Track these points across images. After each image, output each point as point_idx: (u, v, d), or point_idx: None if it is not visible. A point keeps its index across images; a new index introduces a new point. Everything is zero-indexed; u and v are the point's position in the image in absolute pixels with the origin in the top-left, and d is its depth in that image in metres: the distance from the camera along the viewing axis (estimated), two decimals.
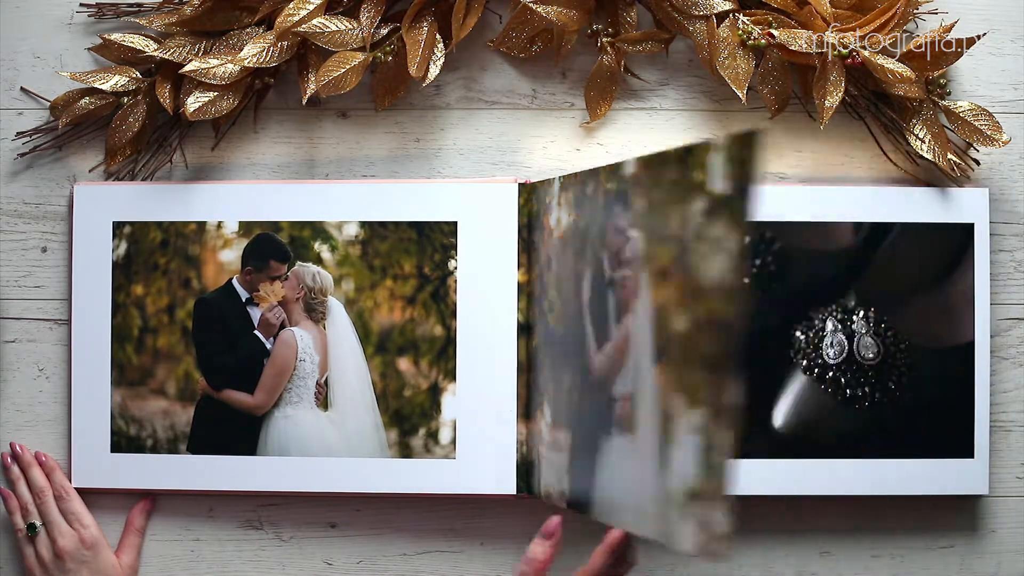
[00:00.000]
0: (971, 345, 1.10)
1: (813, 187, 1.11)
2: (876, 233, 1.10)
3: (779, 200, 1.10)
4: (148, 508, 1.13)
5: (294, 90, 1.13)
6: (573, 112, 1.13)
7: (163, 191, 1.12)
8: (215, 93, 1.08)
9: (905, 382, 1.10)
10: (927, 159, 1.09)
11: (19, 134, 1.13)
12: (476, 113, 1.14)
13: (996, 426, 1.11)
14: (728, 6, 1.07)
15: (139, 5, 1.12)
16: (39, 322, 1.14)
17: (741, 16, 1.08)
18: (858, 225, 1.10)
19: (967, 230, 1.10)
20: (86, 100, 1.11)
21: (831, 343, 1.10)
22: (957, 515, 1.12)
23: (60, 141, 1.13)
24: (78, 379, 1.12)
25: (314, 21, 1.06)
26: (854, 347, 1.09)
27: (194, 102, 1.07)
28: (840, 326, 1.10)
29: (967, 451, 1.09)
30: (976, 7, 1.11)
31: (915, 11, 1.08)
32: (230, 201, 1.12)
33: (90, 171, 1.13)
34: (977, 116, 1.08)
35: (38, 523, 1.10)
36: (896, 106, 1.10)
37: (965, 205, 1.10)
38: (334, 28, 1.07)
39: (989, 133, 1.08)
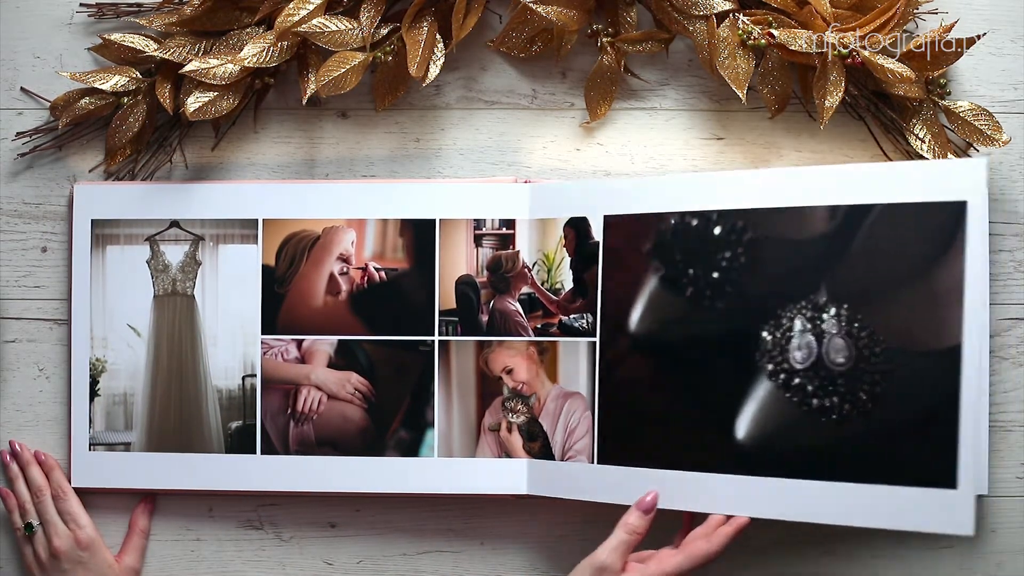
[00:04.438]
0: (957, 350, 0.93)
1: (787, 168, 1.07)
2: (853, 217, 0.98)
3: (752, 185, 1.03)
4: (149, 508, 1.13)
5: (294, 90, 1.13)
6: (573, 112, 1.13)
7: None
8: (215, 93, 1.08)
9: (879, 392, 0.95)
10: (927, 159, 1.09)
11: (19, 134, 1.13)
12: (476, 113, 1.14)
13: (996, 426, 1.11)
14: (728, 6, 1.07)
15: (139, 5, 1.12)
16: (39, 322, 1.14)
17: (741, 16, 1.08)
18: (834, 209, 0.99)
19: (957, 209, 0.94)
20: (86, 100, 1.11)
21: (798, 345, 0.98)
22: None
23: (60, 141, 1.13)
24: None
25: (314, 21, 1.06)
26: (823, 350, 0.97)
27: (194, 102, 1.07)
28: (809, 325, 0.98)
29: (948, 480, 0.93)
30: (976, 7, 1.11)
31: (915, 11, 1.08)
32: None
33: (90, 171, 1.14)
34: (977, 116, 1.08)
35: (35, 522, 1.10)
36: (896, 106, 1.10)
37: (955, 181, 0.95)
38: (334, 28, 1.07)
39: (989, 133, 1.08)
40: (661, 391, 1.04)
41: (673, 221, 1.04)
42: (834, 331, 0.97)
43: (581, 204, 1.09)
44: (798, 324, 0.98)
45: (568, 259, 1.09)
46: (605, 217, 1.07)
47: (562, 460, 1.08)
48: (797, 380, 0.98)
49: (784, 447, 0.98)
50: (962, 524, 0.92)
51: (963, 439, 0.92)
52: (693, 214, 1.03)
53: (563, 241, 1.09)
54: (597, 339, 1.07)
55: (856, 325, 0.97)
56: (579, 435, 1.07)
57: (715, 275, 1.02)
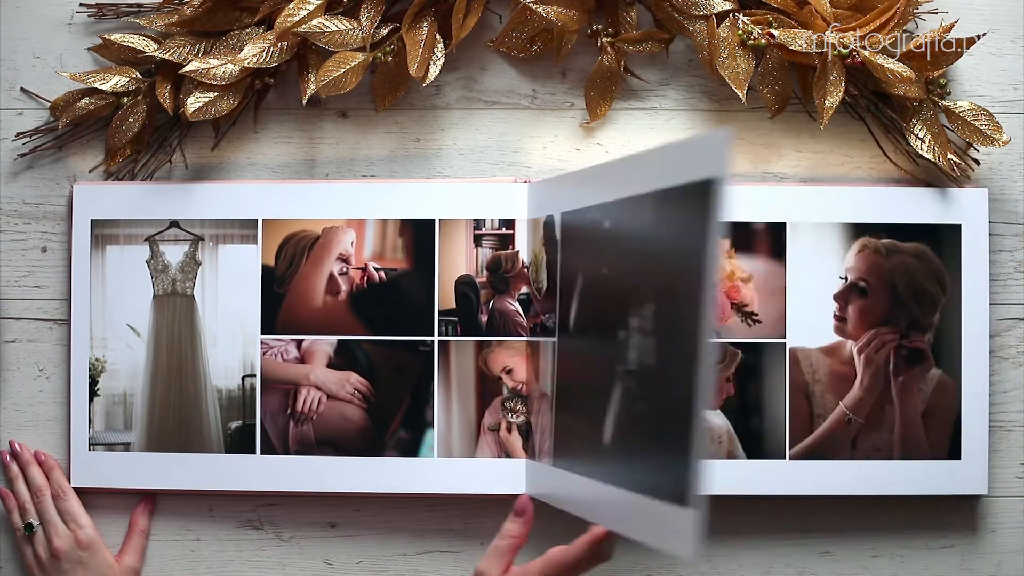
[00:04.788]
0: (691, 356, 0.82)
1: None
2: (654, 206, 0.89)
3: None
4: (149, 508, 1.13)
5: (294, 90, 1.13)
6: (573, 112, 1.13)
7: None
8: (215, 93, 1.08)
9: (659, 397, 0.87)
10: (927, 159, 1.09)
11: (19, 134, 1.13)
12: (476, 113, 1.14)
13: (996, 426, 1.11)
14: (728, 6, 1.07)
15: (139, 5, 1.12)
16: (39, 322, 1.14)
17: (741, 16, 1.08)
18: (651, 198, 0.90)
19: (708, 190, 0.82)
20: (86, 100, 1.11)
21: (633, 345, 0.90)
22: (957, 515, 1.12)
23: (60, 141, 1.13)
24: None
25: (314, 21, 1.06)
26: (643, 350, 0.89)
27: (194, 102, 1.07)
28: (639, 324, 0.89)
29: (677, 496, 0.82)
30: (976, 7, 1.11)
31: (915, 11, 1.08)
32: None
33: (90, 171, 1.14)
34: (977, 116, 1.08)
35: (35, 522, 1.10)
36: (896, 106, 1.10)
37: (704, 158, 0.83)
38: (334, 28, 1.07)
39: (989, 133, 1.08)
40: (574, 392, 1.01)
41: (588, 216, 0.99)
42: (650, 329, 0.88)
43: (550, 202, 1.07)
44: (634, 323, 0.90)
45: (545, 259, 1.08)
46: (562, 215, 1.05)
47: (538, 460, 1.08)
48: (632, 383, 0.90)
49: (628, 452, 0.91)
50: (681, 545, 0.81)
51: (694, 452, 0.81)
52: (597, 207, 0.97)
53: (542, 240, 1.08)
54: (556, 339, 1.05)
55: (659, 323, 0.88)
56: (546, 436, 1.06)
57: (604, 271, 0.96)
